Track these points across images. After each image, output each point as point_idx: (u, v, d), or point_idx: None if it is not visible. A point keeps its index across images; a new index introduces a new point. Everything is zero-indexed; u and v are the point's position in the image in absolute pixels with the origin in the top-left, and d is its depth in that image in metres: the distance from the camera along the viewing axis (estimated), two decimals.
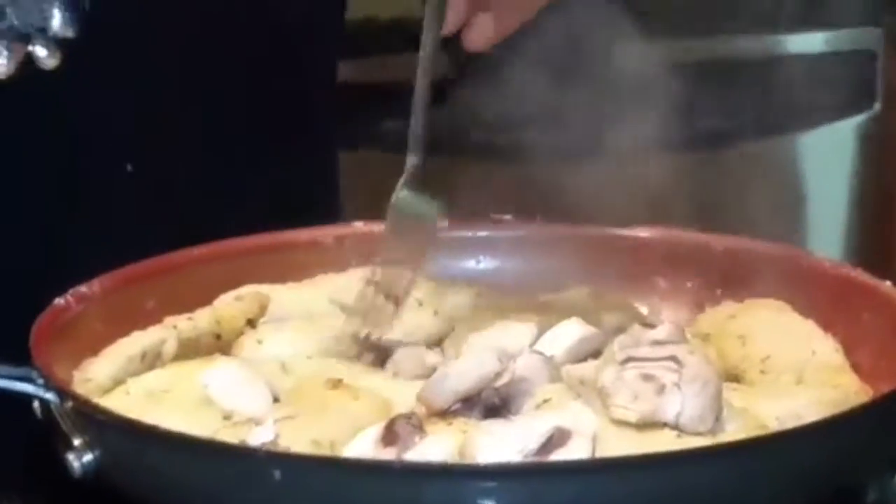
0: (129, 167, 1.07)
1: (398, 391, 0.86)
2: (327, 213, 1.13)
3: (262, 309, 0.93)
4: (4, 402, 0.80)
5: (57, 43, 1.02)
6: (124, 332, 0.89)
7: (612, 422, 0.80)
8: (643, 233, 1.01)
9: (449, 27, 0.96)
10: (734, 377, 0.87)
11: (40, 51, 1.02)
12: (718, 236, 1.01)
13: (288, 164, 1.17)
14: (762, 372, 0.89)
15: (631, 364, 0.82)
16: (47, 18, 1.03)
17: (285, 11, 1.19)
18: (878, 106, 2.67)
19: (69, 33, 1.03)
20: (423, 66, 0.93)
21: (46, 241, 0.99)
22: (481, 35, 0.99)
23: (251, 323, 0.92)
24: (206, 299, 0.93)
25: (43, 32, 1.02)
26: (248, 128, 1.16)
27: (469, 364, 0.86)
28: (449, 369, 0.86)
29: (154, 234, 1.01)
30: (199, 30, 1.10)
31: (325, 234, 1.00)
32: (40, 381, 0.79)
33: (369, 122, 2.07)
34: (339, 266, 0.97)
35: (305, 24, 1.22)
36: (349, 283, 0.94)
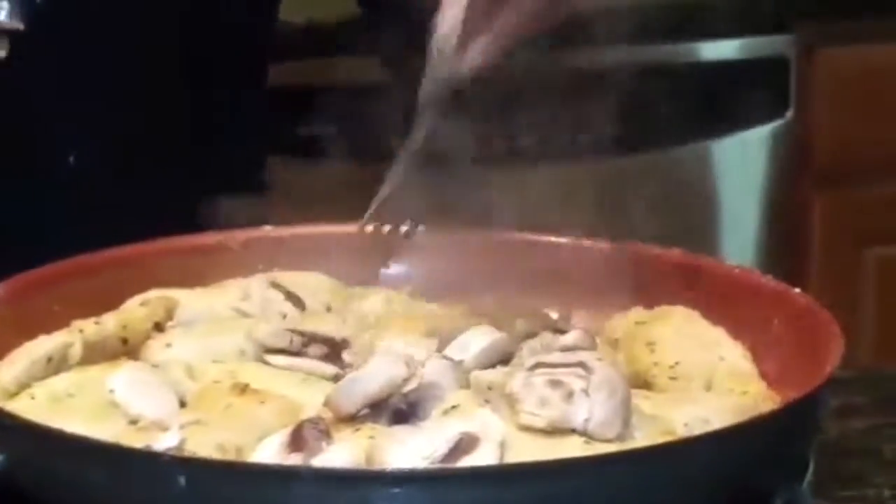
0: (71, 160, 1.07)
1: (309, 395, 0.86)
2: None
3: (169, 313, 0.92)
4: None
5: (5, 34, 1.03)
6: (29, 336, 0.88)
7: (520, 428, 0.80)
8: (554, 239, 1.01)
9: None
10: (643, 383, 0.88)
11: None
12: (629, 244, 1.01)
13: (217, 167, 1.18)
14: (671, 378, 0.89)
15: (539, 370, 0.82)
16: None
17: (220, 16, 1.19)
18: (790, 113, 2.68)
19: (18, 26, 1.03)
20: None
21: None
22: (482, 56, 0.94)
23: (158, 327, 0.91)
24: (113, 303, 0.93)
25: None
26: (180, 128, 1.17)
27: (377, 369, 0.86)
28: (357, 374, 0.86)
29: (83, 232, 1.00)
30: (139, 29, 1.11)
31: (234, 237, 1.00)
32: None
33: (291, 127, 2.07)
34: (247, 270, 0.97)
35: (239, 28, 1.23)
36: (255, 288, 0.95)
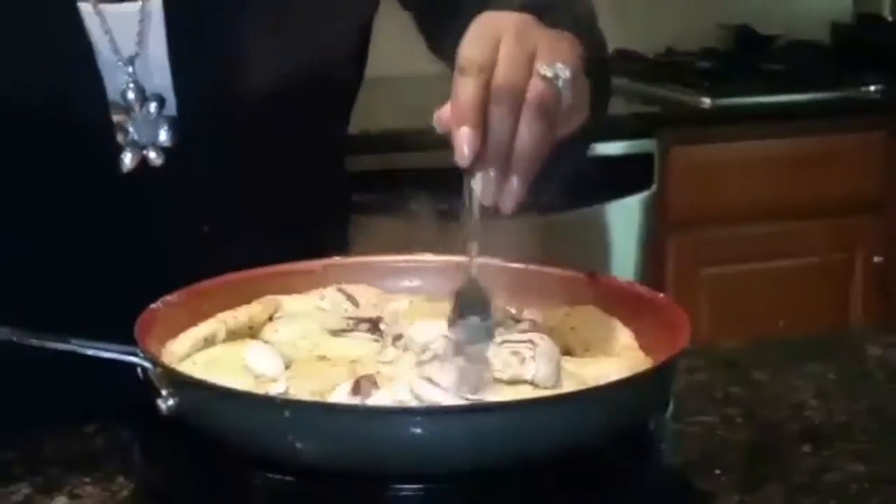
0: (206, 228, 1.04)
1: (362, 352, 0.86)
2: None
3: (277, 310, 0.92)
4: (120, 368, 0.79)
5: (162, 149, 1.02)
6: (192, 323, 0.88)
7: (492, 380, 0.80)
8: (514, 265, 0.99)
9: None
10: (567, 353, 0.86)
11: (152, 154, 1.02)
12: (560, 269, 0.98)
13: (312, 227, 1.12)
14: (585, 350, 0.89)
15: (504, 344, 0.82)
16: (157, 135, 1.02)
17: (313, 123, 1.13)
18: (654, 186, 2.68)
19: (170, 143, 1.02)
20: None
21: (147, 277, 0.93)
22: (513, 199, 0.80)
23: (271, 318, 0.91)
24: (243, 304, 0.92)
25: (153, 143, 1.02)
26: (285, 201, 1.11)
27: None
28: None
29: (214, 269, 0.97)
30: (250, 139, 1.06)
31: (318, 264, 0.99)
32: (141, 355, 0.79)
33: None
34: (325, 283, 0.96)
35: (327, 127, 1.18)
36: (329, 294, 0.94)
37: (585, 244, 2.62)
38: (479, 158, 0.77)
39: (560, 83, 0.78)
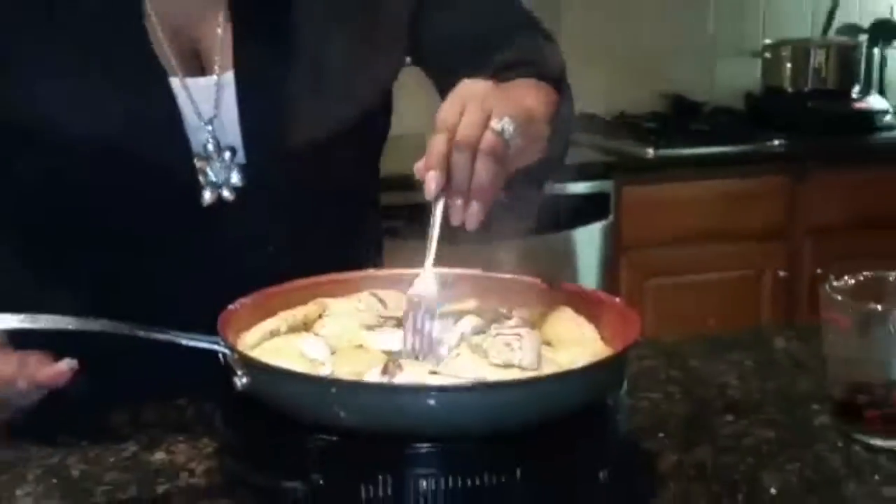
0: (270, 248, 1.03)
1: (391, 344, 0.85)
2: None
3: (325, 310, 0.91)
4: (205, 354, 0.79)
5: (234, 188, 1.02)
6: (261, 320, 0.88)
7: (490, 364, 0.79)
8: (505, 276, 0.98)
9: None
10: (546, 343, 0.86)
11: (225, 192, 1.02)
12: (539, 280, 0.97)
13: (352, 246, 1.12)
14: (559, 341, 0.88)
15: (498, 336, 0.82)
16: (230, 177, 1.02)
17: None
18: (610, 217, 2.68)
19: (240, 184, 1.02)
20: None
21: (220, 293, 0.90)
22: (475, 219, 0.83)
23: (321, 316, 0.90)
24: (299, 305, 0.92)
25: (227, 183, 1.02)
26: (332, 226, 1.10)
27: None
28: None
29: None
30: (304, 179, 1.05)
31: (356, 275, 0.98)
32: (222, 343, 0.79)
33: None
34: (362, 289, 0.95)
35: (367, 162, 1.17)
36: (365, 297, 0.93)
37: (559, 262, 2.60)
38: (446, 192, 0.82)
39: (506, 134, 0.82)
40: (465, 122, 0.82)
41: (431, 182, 0.81)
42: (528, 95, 0.94)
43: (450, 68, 1.03)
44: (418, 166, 0.82)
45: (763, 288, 2.84)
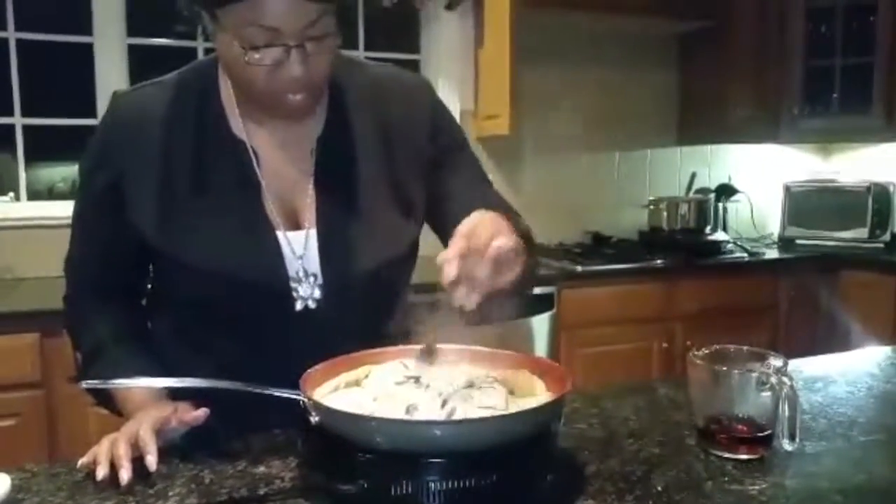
0: (339, 338, 0.93)
1: (415, 396, 0.79)
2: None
3: (370, 372, 0.88)
4: (292, 402, 0.78)
5: (315, 300, 0.99)
6: (328, 380, 0.86)
7: (476, 407, 0.77)
8: (488, 350, 0.93)
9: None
10: (511, 392, 0.83)
11: (310, 303, 0.98)
12: (508, 352, 0.92)
13: (389, 332, 1.04)
14: (520, 391, 0.85)
15: (480, 388, 0.80)
16: (314, 293, 0.98)
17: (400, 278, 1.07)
18: (553, 310, 2.64)
19: (320, 297, 0.99)
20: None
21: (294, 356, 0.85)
22: (474, 301, 0.77)
23: (367, 377, 0.87)
24: (353, 369, 0.89)
25: (311, 296, 0.99)
26: (379, 320, 1.05)
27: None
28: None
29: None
30: (363, 294, 1.00)
31: (391, 350, 0.93)
32: (303, 394, 0.77)
33: None
34: (394, 359, 0.91)
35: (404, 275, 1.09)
36: (391, 365, 0.89)
37: (523, 340, 2.57)
38: (457, 283, 0.76)
39: (504, 250, 0.77)
40: (479, 235, 0.77)
41: (450, 269, 0.74)
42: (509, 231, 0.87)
43: (444, 220, 0.99)
44: (441, 257, 0.76)
45: (653, 355, 2.79)
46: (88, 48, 2.64)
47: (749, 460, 0.84)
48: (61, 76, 2.68)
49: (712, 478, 0.82)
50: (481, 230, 0.78)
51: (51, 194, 2.72)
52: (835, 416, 0.99)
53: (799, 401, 0.83)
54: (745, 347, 0.89)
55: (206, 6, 0.85)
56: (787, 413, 0.82)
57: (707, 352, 0.90)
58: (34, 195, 2.65)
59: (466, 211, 0.84)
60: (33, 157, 2.62)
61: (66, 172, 2.78)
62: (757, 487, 0.78)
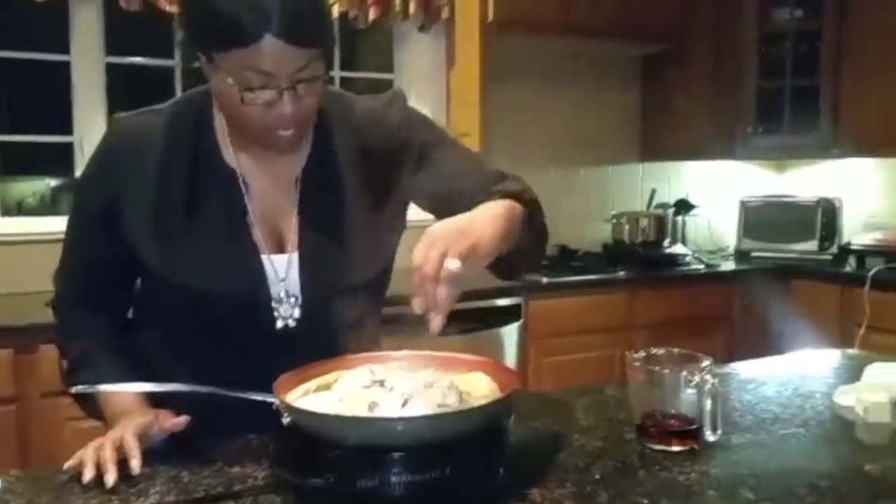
0: (316, 353, 0.93)
1: (378, 397, 0.81)
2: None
3: (340, 376, 0.89)
4: (265, 406, 0.79)
5: (295, 319, 1.01)
6: (299, 384, 0.86)
7: (435, 405, 0.78)
8: (452, 355, 0.95)
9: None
10: (466, 393, 0.84)
11: (290, 322, 1.01)
12: (470, 356, 0.95)
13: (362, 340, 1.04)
14: (475, 391, 0.86)
15: (435, 388, 0.81)
16: (294, 312, 1.01)
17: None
18: (521, 321, 2.66)
19: (300, 316, 1.01)
20: None
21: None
22: (435, 322, 0.79)
23: (336, 381, 0.88)
24: (323, 374, 0.89)
25: (292, 316, 1.01)
26: (356, 333, 1.05)
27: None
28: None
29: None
30: (342, 311, 1.02)
31: (358, 356, 0.95)
32: (277, 398, 0.79)
33: None
34: (361, 364, 0.92)
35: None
36: (360, 370, 0.90)
37: (492, 348, 2.58)
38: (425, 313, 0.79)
39: (454, 267, 0.78)
40: (431, 258, 0.78)
41: (415, 306, 0.79)
42: (483, 225, 0.84)
43: (438, 210, 0.99)
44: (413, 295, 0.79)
45: (616, 363, 2.80)
46: (66, 66, 2.58)
47: (680, 452, 0.89)
48: (36, 93, 2.62)
49: (645, 467, 0.86)
50: (433, 252, 0.78)
51: (20, 209, 2.61)
52: (761, 413, 1.05)
53: (721, 397, 0.89)
54: (676, 350, 0.95)
55: (204, 50, 0.86)
56: (708, 408, 0.88)
57: (644, 354, 0.95)
58: (5, 211, 2.56)
59: (462, 198, 0.86)
60: (4, 172, 2.52)
61: (36, 187, 2.65)
62: (684, 475, 0.83)
